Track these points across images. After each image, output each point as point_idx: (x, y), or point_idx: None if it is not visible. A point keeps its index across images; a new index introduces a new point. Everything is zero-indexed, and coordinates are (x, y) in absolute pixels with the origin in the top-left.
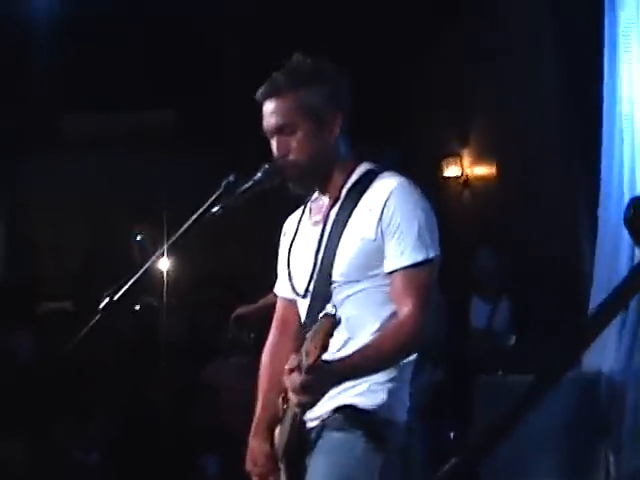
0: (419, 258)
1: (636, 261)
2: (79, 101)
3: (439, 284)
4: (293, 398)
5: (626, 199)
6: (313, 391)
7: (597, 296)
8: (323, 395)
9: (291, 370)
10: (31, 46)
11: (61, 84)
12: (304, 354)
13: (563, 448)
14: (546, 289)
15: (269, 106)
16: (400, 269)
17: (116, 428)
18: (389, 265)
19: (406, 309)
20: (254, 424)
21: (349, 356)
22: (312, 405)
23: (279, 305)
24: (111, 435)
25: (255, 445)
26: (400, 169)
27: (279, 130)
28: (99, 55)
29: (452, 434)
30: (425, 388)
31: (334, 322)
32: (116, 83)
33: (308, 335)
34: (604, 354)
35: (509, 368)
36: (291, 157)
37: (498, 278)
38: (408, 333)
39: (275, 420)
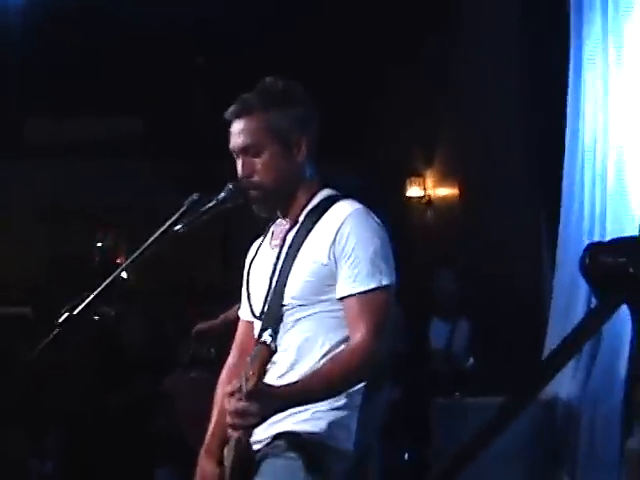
0: (372, 285)
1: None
2: (43, 106)
3: (398, 301)
4: (232, 422)
5: (586, 225)
6: (253, 416)
7: (556, 320)
8: (263, 421)
9: (231, 394)
10: None
11: (26, 89)
12: (244, 379)
13: (520, 470)
14: (506, 310)
15: (237, 125)
16: (352, 295)
17: (71, 438)
18: (341, 290)
19: (358, 335)
20: (206, 441)
21: (295, 382)
22: (251, 429)
23: (240, 326)
24: (66, 445)
25: (204, 465)
26: (360, 194)
27: (245, 150)
28: (66, 60)
29: (407, 455)
30: (383, 407)
31: (270, 350)
32: (83, 89)
33: (248, 360)
34: (561, 380)
35: (466, 390)
36: (255, 178)
37: (458, 299)
38: (359, 359)
39: (226, 440)
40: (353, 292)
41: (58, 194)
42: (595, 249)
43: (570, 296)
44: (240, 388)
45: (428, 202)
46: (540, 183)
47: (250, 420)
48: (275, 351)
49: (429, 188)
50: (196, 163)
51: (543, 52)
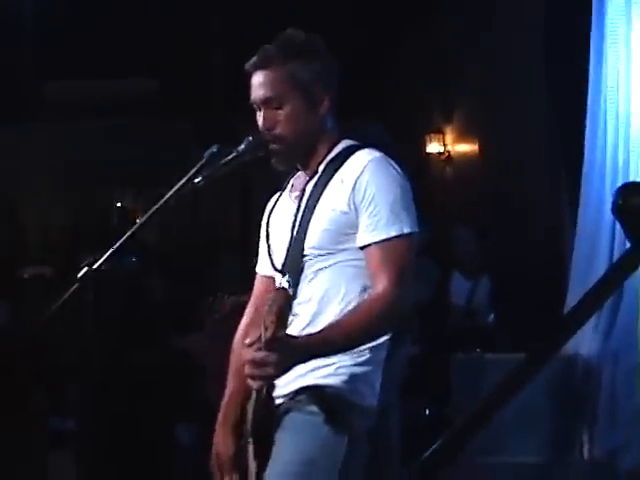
0: (392, 233)
1: (615, 245)
2: (60, 69)
3: (428, 253)
4: (250, 372)
5: (608, 182)
6: (271, 366)
7: (577, 277)
8: (283, 372)
9: (250, 344)
10: (13, 14)
11: (44, 51)
12: (263, 328)
13: (540, 427)
14: (527, 268)
15: (258, 77)
16: (373, 243)
17: (92, 395)
18: (362, 239)
19: (380, 285)
20: (221, 412)
21: (316, 333)
22: (270, 380)
23: (257, 283)
24: (87, 402)
25: (219, 438)
26: (384, 145)
27: (267, 102)
28: (83, 23)
29: (428, 411)
30: (404, 363)
31: (288, 295)
32: (100, 50)
33: (266, 308)
34: (581, 337)
35: (487, 346)
36: (277, 131)
37: (478, 256)
38: (381, 309)
39: (243, 409)
40: (374, 240)
41: (76, 154)
42: (629, 189)
43: (592, 251)
44: (259, 337)
45: (448, 158)
46: (561, 137)
47: (268, 370)
48: (294, 296)
49: (449, 144)
50: (214, 120)
51: (565, 14)
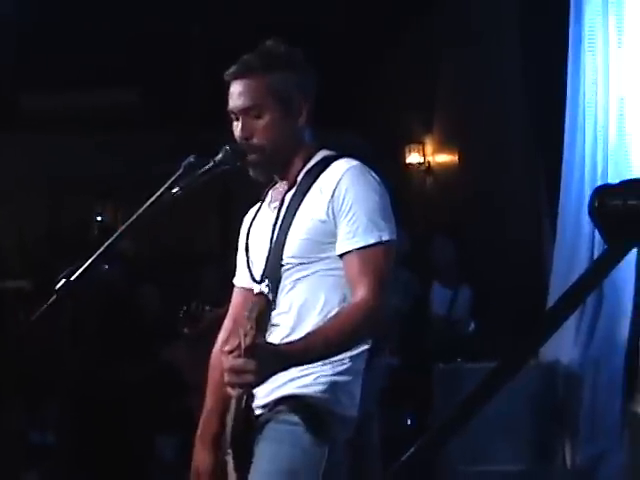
0: (371, 240)
1: (595, 251)
2: (39, 78)
3: (408, 265)
4: (228, 379)
5: (587, 189)
6: (250, 373)
7: (557, 284)
8: (262, 380)
9: (230, 352)
10: None
11: (22, 61)
12: (242, 334)
13: (521, 435)
14: (507, 276)
15: (238, 86)
16: (352, 251)
17: (72, 408)
18: (341, 247)
19: (360, 293)
20: (200, 429)
21: (298, 340)
22: (249, 389)
23: (235, 295)
24: (66, 416)
25: (198, 455)
26: (364, 155)
27: (246, 111)
28: (62, 34)
29: (409, 421)
30: (383, 372)
31: (268, 301)
32: (80, 62)
33: (245, 314)
34: (562, 344)
35: (468, 356)
36: (255, 140)
37: (458, 266)
38: (362, 317)
39: (222, 426)
40: (353, 248)
41: (56, 166)
42: (604, 192)
43: (572, 259)
44: (239, 345)
45: (428, 169)
46: (540, 148)
47: (248, 378)
48: (273, 306)
49: (428, 155)
50: (193, 131)
51: (542, 15)
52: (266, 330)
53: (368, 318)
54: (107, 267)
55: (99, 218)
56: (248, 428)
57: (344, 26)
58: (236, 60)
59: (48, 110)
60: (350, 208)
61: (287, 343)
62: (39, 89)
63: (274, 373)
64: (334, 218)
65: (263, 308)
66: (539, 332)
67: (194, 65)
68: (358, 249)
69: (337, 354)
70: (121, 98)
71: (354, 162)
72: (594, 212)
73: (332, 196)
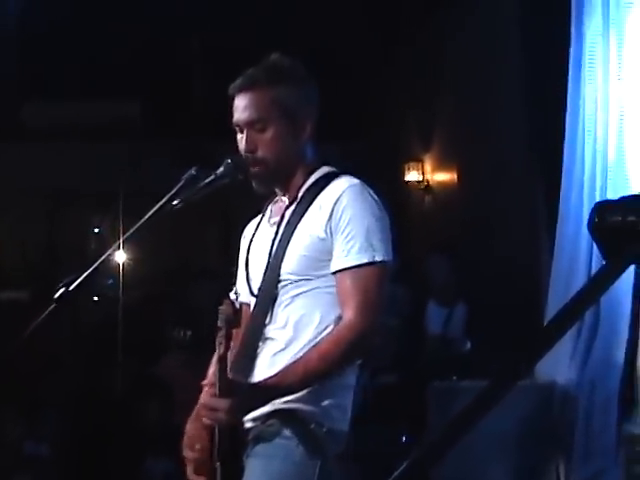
0: (364, 260)
1: (593, 270)
2: (40, 90)
3: (402, 284)
4: (204, 414)
5: (585, 207)
6: (224, 412)
7: (554, 304)
8: (238, 418)
9: (211, 385)
10: None
11: (24, 73)
12: (218, 344)
13: (515, 456)
14: (504, 296)
15: (243, 99)
16: (344, 269)
17: (67, 421)
18: (334, 265)
19: (347, 315)
20: (196, 409)
21: (275, 374)
22: (224, 425)
23: (244, 311)
24: (62, 427)
25: (192, 429)
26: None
27: (250, 125)
28: (63, 45)
29: (404, 438)
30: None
31: (234, 308)
32: (81, 73)
33: (217, 324)
34: (558, 364)
35: (464, 374)
36: (258, 154)
37: (454, 284)
38: (346, 341)
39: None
40: (345, 266)
41: (55, 178)
42: (603, 208)
43: (569, 278)
44: (213, 383)
45: (426, 187)
46: (540, 167)
47: (219, 416)
48: (270, 321)
49: (427, 173)
50: (195, 145)
51: (543, 34)
52: (231, 336)
53: (353, 341)
54: (111, 281)
55: (96, 230)
56: (236, 442)
57: (344, 43)
58: (237, 72)
59: (48, 121)
60: (347, 227)
61: (265, 380)
62: (40, 100)
63: (252, 410)
64: (331, 235)
65: (229, 313)
66: (535, 348)
67: (196, 77)
68: (350, 268)
69: (321, 380)
70: (122, 109)
71: (355, 181)
72: (593, 228)
73: (331, 214)
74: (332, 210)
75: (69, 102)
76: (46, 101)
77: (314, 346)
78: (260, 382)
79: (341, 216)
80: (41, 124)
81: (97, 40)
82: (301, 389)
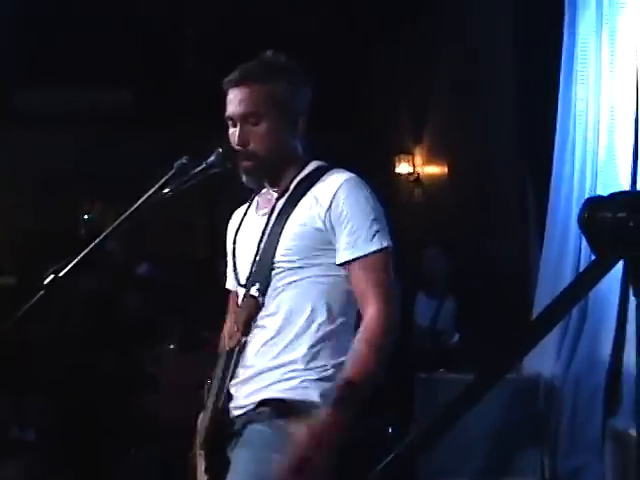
0: (373, 247)
1: (581, 266)
2: (31, 77)
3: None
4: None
5: (574, 204)
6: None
7: (542, 299)
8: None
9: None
10: None
11: (15, 60)
12: (227, 336)
13: (500, 449)
14: (492, 289)
15: (238, 93)
16: (354, 260)
17: (54, 406)
18: (342, 256)
19: (371, 309)
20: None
21: (325, 411)
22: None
23: (231, 297)
24: (48, 412)
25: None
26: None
27: (244, 118)
28: (55, 34)
29: (391, 429)
30: None
31: (258, 304)
32: (73, 61)
33: (234, 316)
34: (544, 358)
35: (451, 366)
36: (250, 147)
37: (445, 278)
38: (383, 332)
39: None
40: (355, 256)
41: (45, 164)
42: (594, 203)
43: (558, 273)
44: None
45: (417, 179)
46: (530, 161)
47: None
48: (262, 305)
49: (418, 165)
50: (185, 133)
51: (535, 32)
52: (250, 330)
53: (390, 329)
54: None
55: (86, 216)
56: (222, 429)
57: (335, 35)
58: (229, 62)
59: (40, 108)
60: (349, 218)
61: (325, 412)
62: (32, 87)
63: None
64: (332, 228)
65: (252, 310)
66: (522, 343)
67: (187, 66)
68: (360, 257)
69: (373, 382)
70: (114, 97)
71: (350, 174)
72: (583, 223)
73: (330, 206)
74: (331, 203)
75: (60, 89)
76: (37, 88)
77: (358, 343)
78: (316, 425)
79: (342, 208)
80: (33, 110)
81: (89, 28)
82: (359, 401)
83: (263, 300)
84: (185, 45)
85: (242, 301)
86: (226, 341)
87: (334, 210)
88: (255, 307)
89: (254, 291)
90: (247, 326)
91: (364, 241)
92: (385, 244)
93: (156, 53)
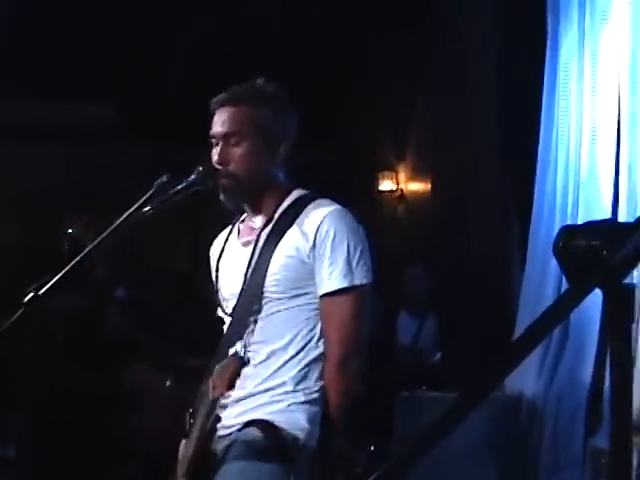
0: (344, 284)
1: (563, 285)
2: (12, 92)
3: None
4: None
5: (557, 223)
6: None
7: (523, 317)
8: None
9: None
10: None
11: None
12: (211, 386)
13: (482, 467)
14: (474, 307)
15: (223, 113)
16: (327, 294)
17: (34, 423)
18: (319, 289)
19: (331, 349)
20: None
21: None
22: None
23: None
24: (28, 430)
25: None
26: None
27: (226, 137)
28: (39, 47)
29: (372, 447)
30: None
31: (242, 363)
32: (57, 75)
33: (216, 368)
34: (526, 377)
35: (433, 384)
36: (230, 167)
37: (427, 296)
38: (343, 372)
39: None
40: (326, 291)
41: (27, 179)
42: (569, 232)
43: (539, 292)
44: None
45: (400, 196)
46: (512, 179)
47: None
48: (247, 363)
49: (401, 182)
50: (169, 149)
51: (518, 47)
52: (233, 387)
53: (348, 369)
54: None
55: (69, 231)
56: (207, 457)
57: (319, 52)
58: (214, 79)
59: (23, 122)
60: (329, 251)
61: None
62: (15, 101)
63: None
64: (314, 260)
65: (234, 369)
66: (503, 363)
67: (170, 81)
68: (331, 292)
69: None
70: (96, 112)
71: (336, 205)
72: (558, 251)
73: (315, 239)
74: (315, 236)
75: (43, 103)
76: (20, 101)
77: (328, 386)
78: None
79: (323, 241)
80: (16, 124)
81: (73, 42)
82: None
83: (248, 358)
84: (171, 60)
85: (227, 332)
86: (209, 389)
87: (317, 242)
88: (239, 367)
89: (239, 348)
90: (230, 385)
91: (338, 276)
92: (357, 282)
93: (141, 68)
